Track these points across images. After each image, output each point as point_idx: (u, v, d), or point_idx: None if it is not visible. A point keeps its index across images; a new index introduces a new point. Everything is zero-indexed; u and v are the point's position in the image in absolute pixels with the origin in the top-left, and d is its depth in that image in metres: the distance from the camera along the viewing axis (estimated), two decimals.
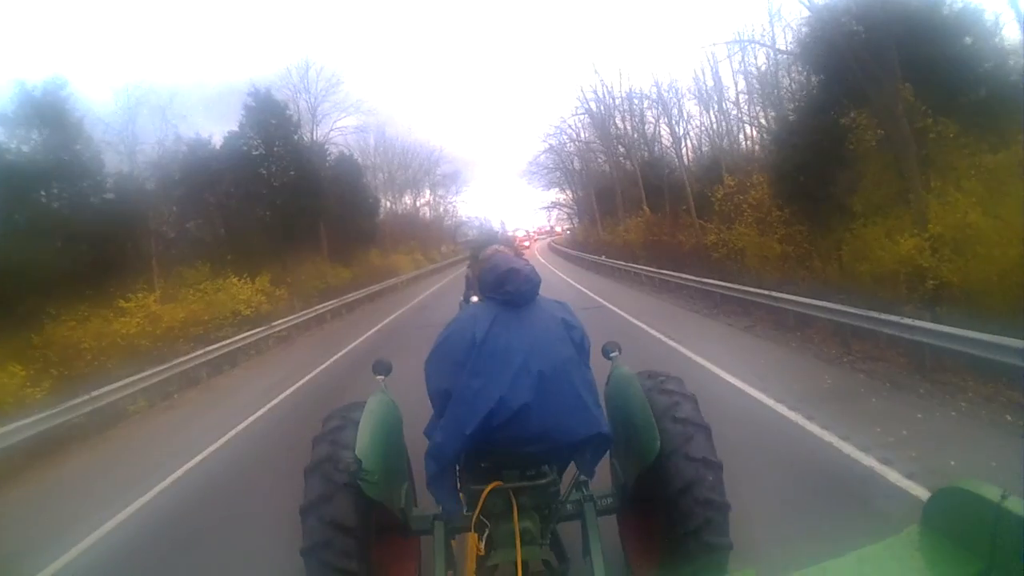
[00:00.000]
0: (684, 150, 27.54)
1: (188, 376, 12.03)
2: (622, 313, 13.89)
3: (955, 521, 1.33)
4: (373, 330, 15.76)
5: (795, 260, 14.42)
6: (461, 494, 2.52)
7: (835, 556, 1.36)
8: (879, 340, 9.20)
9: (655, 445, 2.42)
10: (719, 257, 18.30)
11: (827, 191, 12.67)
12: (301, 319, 17.91)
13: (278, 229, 22.84)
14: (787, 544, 3.38)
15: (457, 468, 2.49)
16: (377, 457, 2.45)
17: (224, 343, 13.59)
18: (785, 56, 19.20)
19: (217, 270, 19.56)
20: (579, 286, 21.24)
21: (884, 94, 9.77)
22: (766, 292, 11.19)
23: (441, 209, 56.88)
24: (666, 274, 17.69)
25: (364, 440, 2.46)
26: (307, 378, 10.71)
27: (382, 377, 3.29)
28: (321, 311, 19.48)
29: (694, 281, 15.25)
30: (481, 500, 2.29)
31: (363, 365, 11.05)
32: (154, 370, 11.00)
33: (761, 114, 24.74)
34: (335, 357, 12.48)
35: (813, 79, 13.68)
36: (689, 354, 9.05)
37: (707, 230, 19.71)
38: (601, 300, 16.63)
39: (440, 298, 22.51)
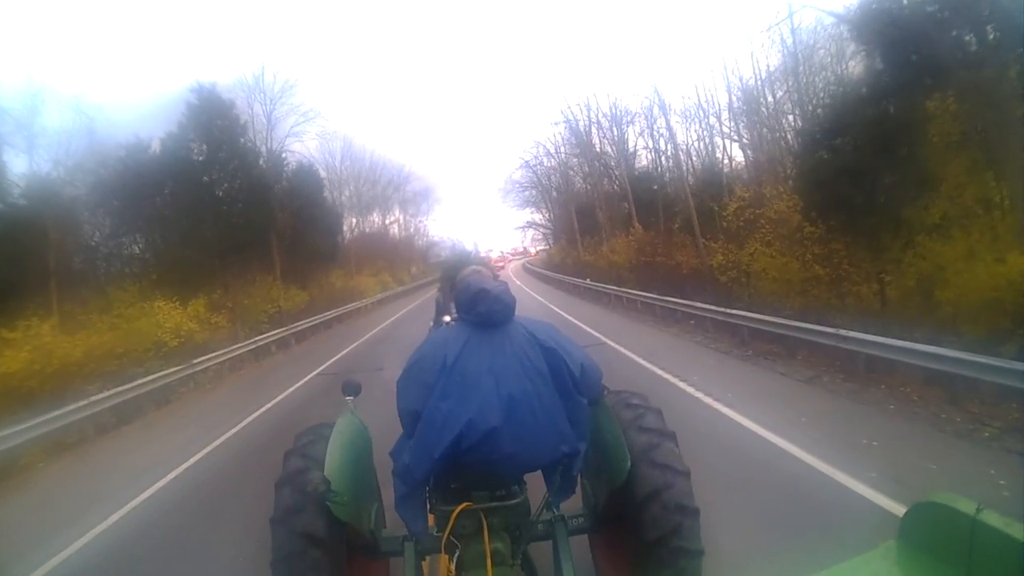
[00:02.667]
0: (671, 164, 25.42)
1: (74, 432, 9.14)
2: (630, 354, 10.92)
3: (932, 535, 1.26)
4: (316, 371, 12.74)
5: (827, 284, 12.18)
6: (431, 515, 2.46)
7: (812, 572, 1.22)
8: (984, 395, 6.87)
9: (625, 464, 2.37)
10: (727, 280, 16.07)
11: (875, 200, 10.42)
12: (237, 352, 14.90)
13: (222, 245, 19.83)
14: None
15: (427, 489, 2.42)
16: (346, 477, 2.39)
17: (124, 388, 10.61)
18: (800, 55, 17.13)
19: (147, 292, 16.80)
20: (567, 315, 18.53)
21: (980, 74, 7.50)
22: (830, 331, 8.52)
23: (412, 229, 54.20)
24: (673, 302, 15.03)
25: (333, 461, 2.41)
26: (211, 447, 7.80)
27: (351, 398, 3.18)
28: (263, 342, 16.49)
29: (717, 312, 12.41)
30: (451, 521, 2.22)
31: (292, 424, 8.06)
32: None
33: (743, 130, 22.98)
34: (261, 410, 9.60)
35: (851, 65, 11.46)
36: (757, 429, 6.04)
37: (711, 249, 17.47)
38: (599, 335, 13.63)
39: (407, 324, 19.72)
